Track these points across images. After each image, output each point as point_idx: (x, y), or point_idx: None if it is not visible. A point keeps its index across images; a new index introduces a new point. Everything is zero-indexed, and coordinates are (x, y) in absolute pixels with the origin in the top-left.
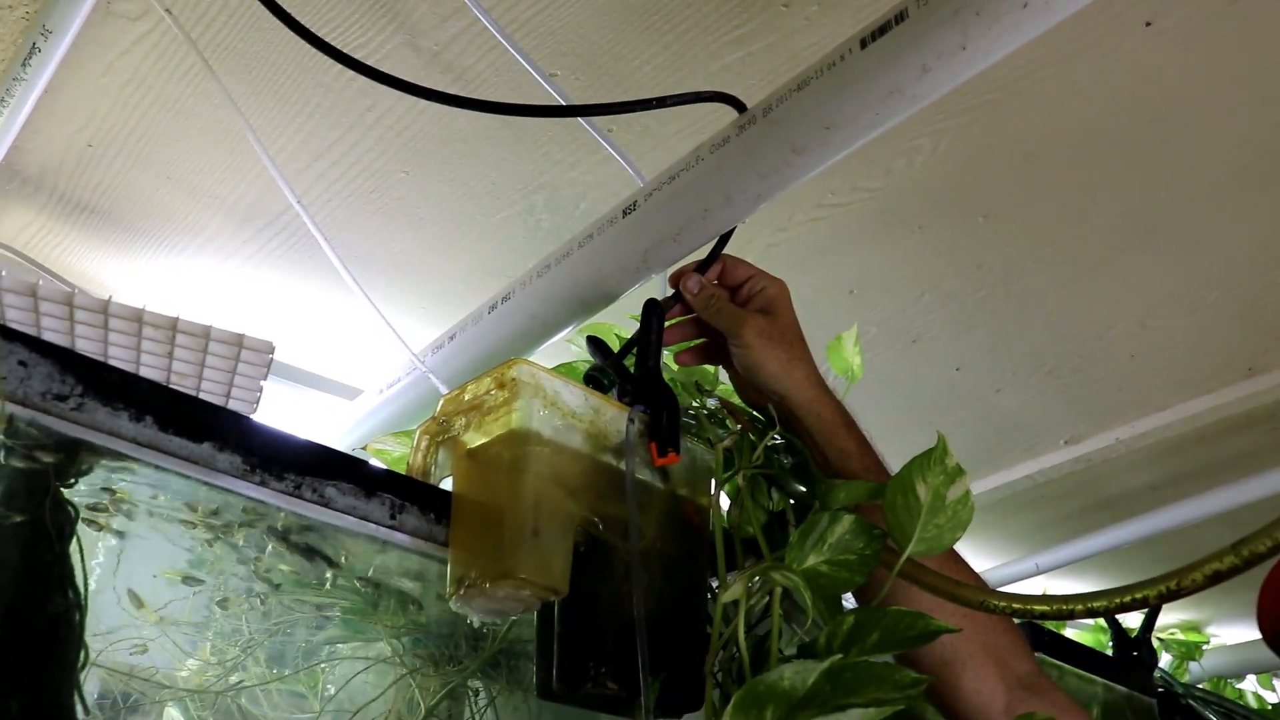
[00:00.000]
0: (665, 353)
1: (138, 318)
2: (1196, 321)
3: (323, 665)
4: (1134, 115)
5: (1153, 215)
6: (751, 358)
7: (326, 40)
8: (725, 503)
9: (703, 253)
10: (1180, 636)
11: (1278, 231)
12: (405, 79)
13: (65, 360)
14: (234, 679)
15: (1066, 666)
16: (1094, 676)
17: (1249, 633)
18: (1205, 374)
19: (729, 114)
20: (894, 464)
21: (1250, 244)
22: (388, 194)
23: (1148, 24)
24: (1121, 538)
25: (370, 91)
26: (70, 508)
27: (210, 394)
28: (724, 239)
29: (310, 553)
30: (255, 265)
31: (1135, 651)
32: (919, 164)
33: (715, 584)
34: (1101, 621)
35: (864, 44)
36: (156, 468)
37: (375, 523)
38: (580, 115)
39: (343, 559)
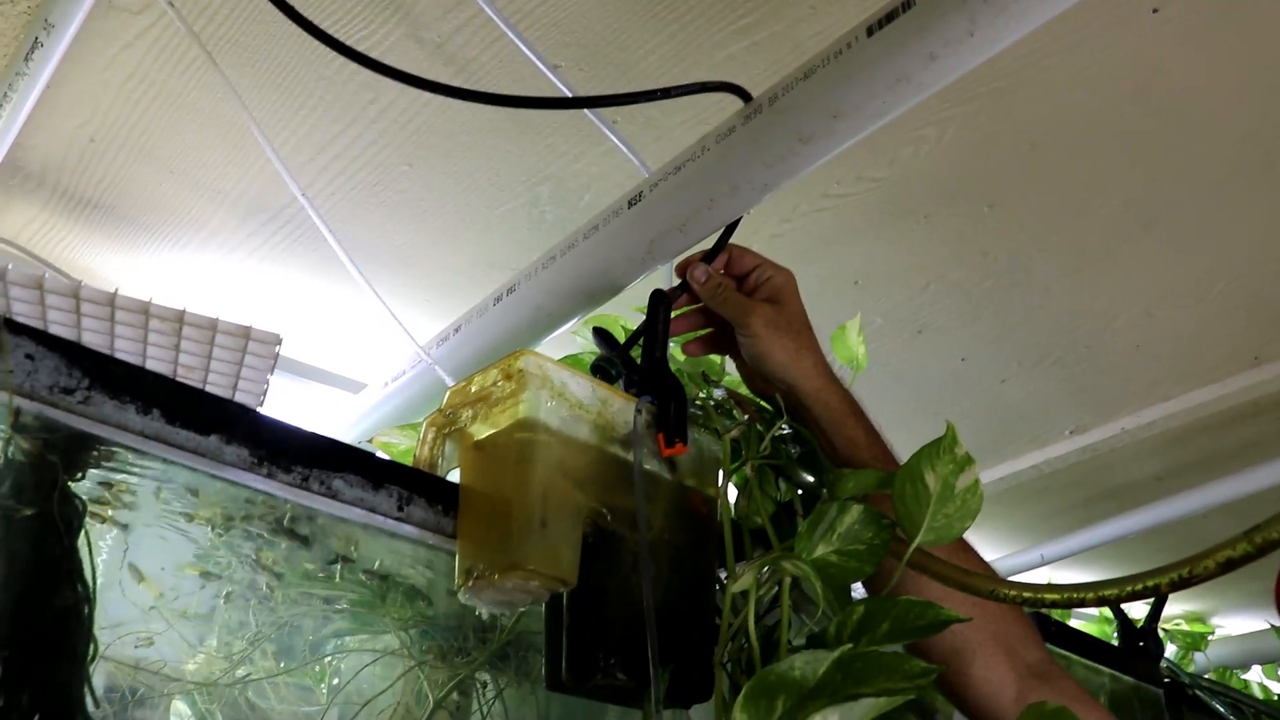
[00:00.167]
0: (670, 343)
1: (144, 310)
2: (1202, 311)
3: (330, 658)
4: (1140, 104)
5: (1158, 205)
6: (759, 347)
7: (329, 33)
8: (733, 493)
9: (709, 243)
10: (1185, 627)
11: None
12: (408, 72)
13: (72, 354)
14: (241, 672)
15: (1073, 656)
16: (1100, 667)
17: (1254, 623)
18: (1210, 364)
19: (733, 104)
20: (900, 455)
21: (1256, 234)
22: (391, 187)
23: (1155, 11)
24: (1127, 528)
25: (373, 84)
26: (78, 501)
27: (217, 386)
28: (730, 229)
29: (313, 544)
30: (259, 259)
31: (1141, 642)
32: (924, 153)
33: (723, 575)
34: (1107, 612)
35: (870, 32)
36: (164, 460)
37: (383, 515)
38: (585, 107)
39: (352, 551)
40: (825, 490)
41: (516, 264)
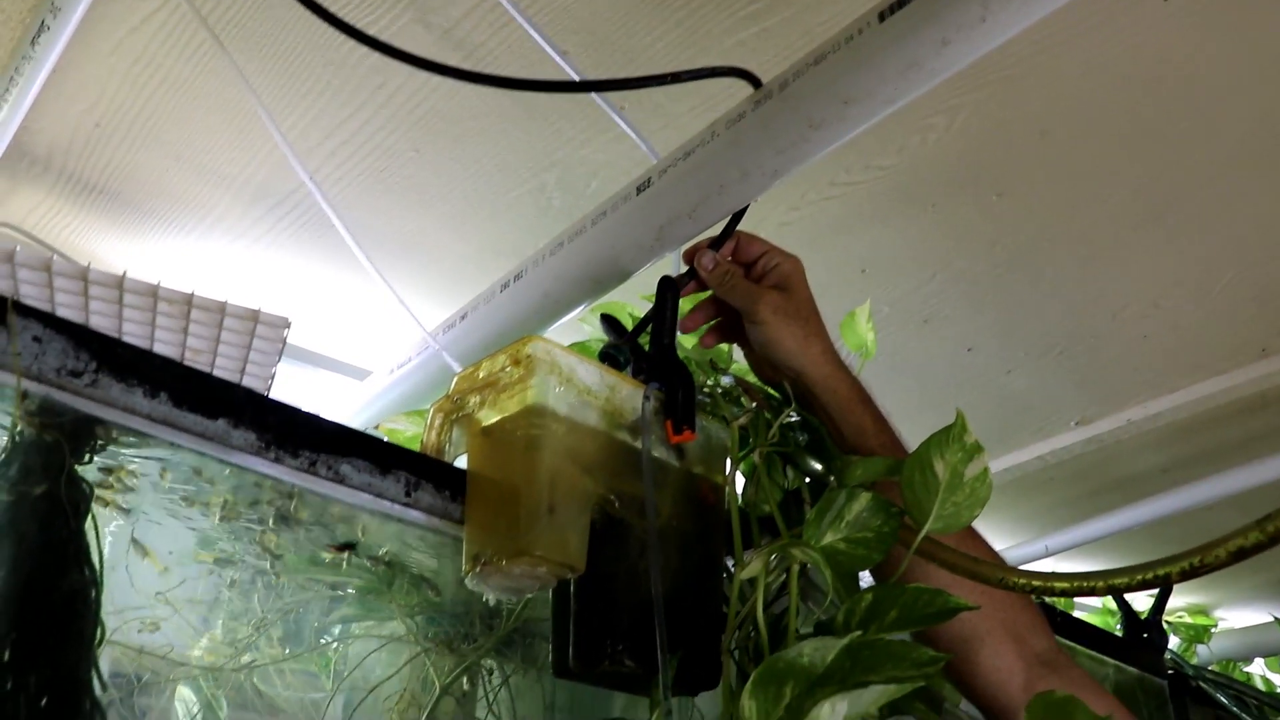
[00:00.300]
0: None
1: (152, 293)
2: (1210, 302)
3: (336, 644)
4: (1151, 93)
5: (1168, 195)
6: (767, 334)
7: (338, 16)
8: (740, 481)
9: (717, 230)
10: (1188, 620)
11: None
12: (416, 54)
13: (79, 336)
14: (247, 658)
15: (1078, 647)
16: (1105, 658)
17: (1257, 616)
18: (1218, 355)
19: (742, 90)
20: (907, 445)
21: (1266, 225)
22: (398, 172)
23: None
24: (1132, 520)
25: (381, 69)
26: (85, 484)
27: (225, 370)
28: (738, 216)
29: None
30: (264, 245)
31: (1145, 633)
32: (933, 141)
33: (731, 562)
34: (1111, 603)
35: (882, 17)
36: (171, 445)
37: (390, 500)
38: (594, 91)
39: (359, 534)
40: (833, 478)
41: (523, 250)
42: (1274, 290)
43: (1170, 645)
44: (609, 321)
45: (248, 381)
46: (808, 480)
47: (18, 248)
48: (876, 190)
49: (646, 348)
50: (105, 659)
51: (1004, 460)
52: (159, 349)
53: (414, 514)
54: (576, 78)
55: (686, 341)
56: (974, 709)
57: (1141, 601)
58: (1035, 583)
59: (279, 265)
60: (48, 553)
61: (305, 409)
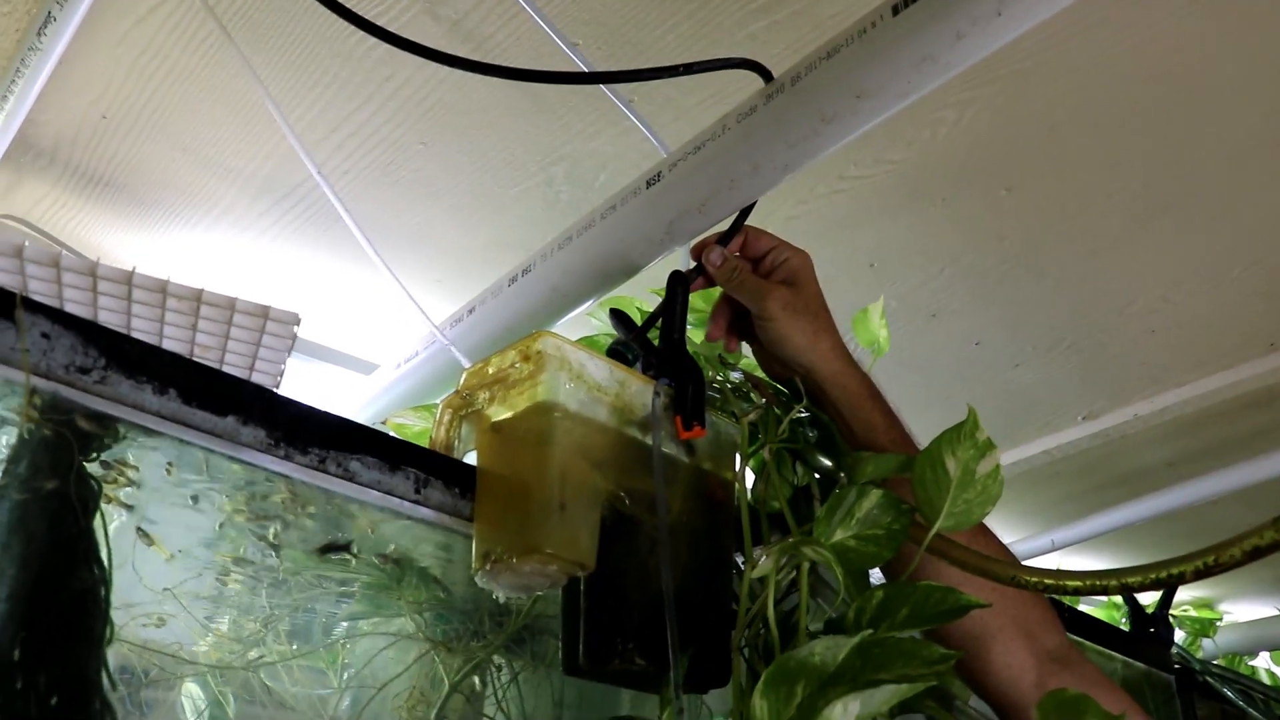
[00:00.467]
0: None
1: (162, 289)
2: (1218, 297)
3: (344, 641)
4: (1160, 86)
5: (1175, 189)
6: (777, 330)
7: (346, 6)
8: (750, 477)
9: (727, 224)
10: (1194, 613)
11: None
12: (424, 44)
13: (88, 332)
14: (254, 654)
15: (1085, 642)
16: (1112, 653)
17: (1262, 610)
18: (1225, 349)
19: (752, 83)
20: (914, 439)
21: (1273, 220)
22: (405, 165)
23: None
24: (1139, 514)
25: (389, 61)
26: (94, 481)
27: (234, 366)
28: (746, 211)
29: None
30: (271, 238)
31: (1152, 628)
32: (943, 136)
33: (740, 559)
34: (1117, 597)
35: (895, 10)
36: (180, 441)
37: (400, 497)
38: (603, 82)
39: (368, 533)
40: (843, 474)
41: (530, 244)
42: None
43: (1176, 639)
44: (618, 316)
45: (257, 377)
46: (817, 476)
47: (26, 243)
48: (885, 184)
49: (656, 343)
50: (112, 655)
51: (1011, 454)
52: (168, 345)
53: (424, 511)
54: (586, 70)
55: (696, 336)
56: (985, 706)
57: (1147, 595)
58: (1047, 581)
59: (285, 258)
60: (57, 551)
61: (314, 405)
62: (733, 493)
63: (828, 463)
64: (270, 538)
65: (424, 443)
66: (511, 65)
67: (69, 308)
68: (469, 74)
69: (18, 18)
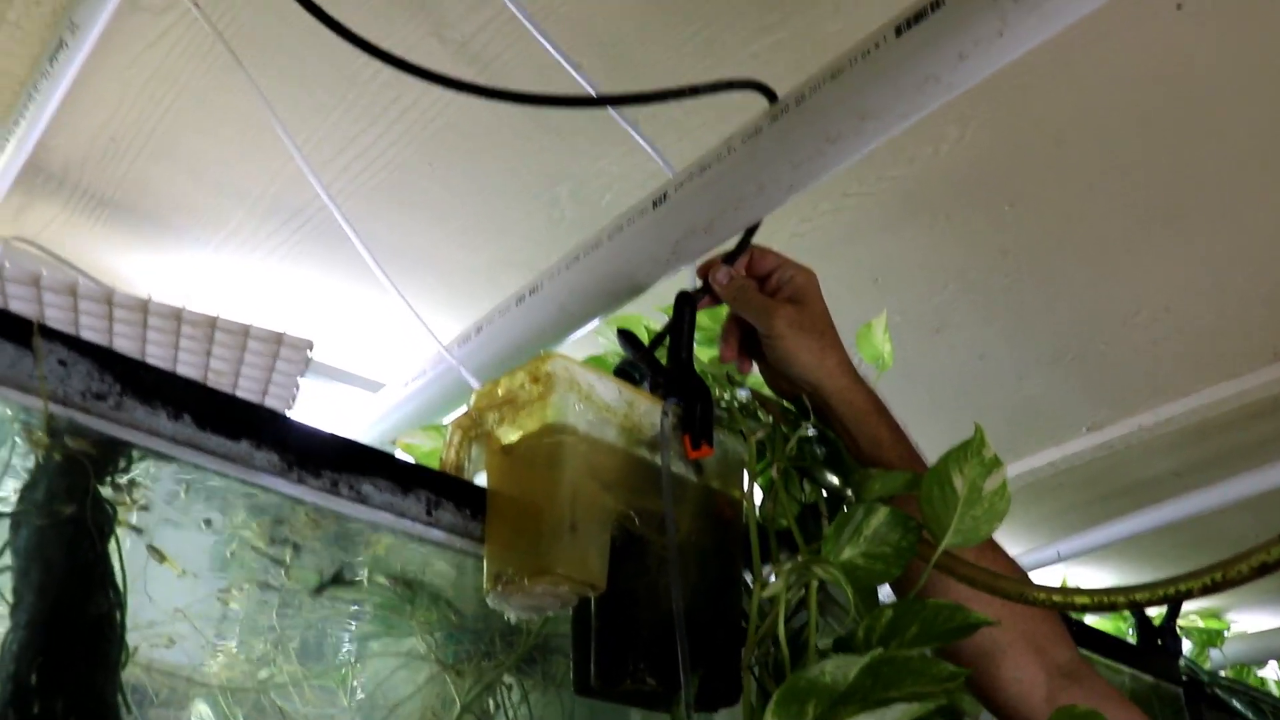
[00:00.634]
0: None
1: (177, 316)
2: (1221, 306)
3: (355, 662)
4: (1163, 100)
5: (1178, 200)
6: (784, 348)
7: (353, 31)
8: (758, 495)
9: (731, 244)
10: (1201, 624)
11: None
12: (430, 70)
13: (103, 359)
14: (264, 675)
15: (1093, 655)
16: (1120, 665)
17: (1270, 620)
18: (1230, 359)
19: (757, 103)
20: (920, 454)
21: (1277, 230)
22: (411, 186)
23: (1178, 7)
24: (1144, 525)
25: (395, 83)
26: (109, 506)
27: (247, 392)
28: (751, 230)
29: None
30: (278, 259)
31: (1159, 640)
32: (945, 152)
33: (749, 577)
34: None
35: (899, 31)
36: (195, 466)
37: (411, 519)
38: (610, 105)
39: (379, 554)
40: (851, 492)
41: (536, 264)
42: None
43: (1183, 650)
44: (626, 336)
45: (270, 402)
46: (825, 494)
47: (44, 271)
48: (888, 200)
49: (664, 362)
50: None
51: (1016, 466)
52: (181, 371)
53: (435, 533)
54: (591, 91)
55: (703, 355)
56: None
57: (1154, 607)
58: (1056, 598)
59: (292, 278)
60: (74, 576)
61: (327, 429)
62: (741, 511)
63: (835, 480)
64: (282, 559)
65: (434, 463)
66: (516, 87)
67: (85, 335)
68: (475, 97)
69: (30, 44)
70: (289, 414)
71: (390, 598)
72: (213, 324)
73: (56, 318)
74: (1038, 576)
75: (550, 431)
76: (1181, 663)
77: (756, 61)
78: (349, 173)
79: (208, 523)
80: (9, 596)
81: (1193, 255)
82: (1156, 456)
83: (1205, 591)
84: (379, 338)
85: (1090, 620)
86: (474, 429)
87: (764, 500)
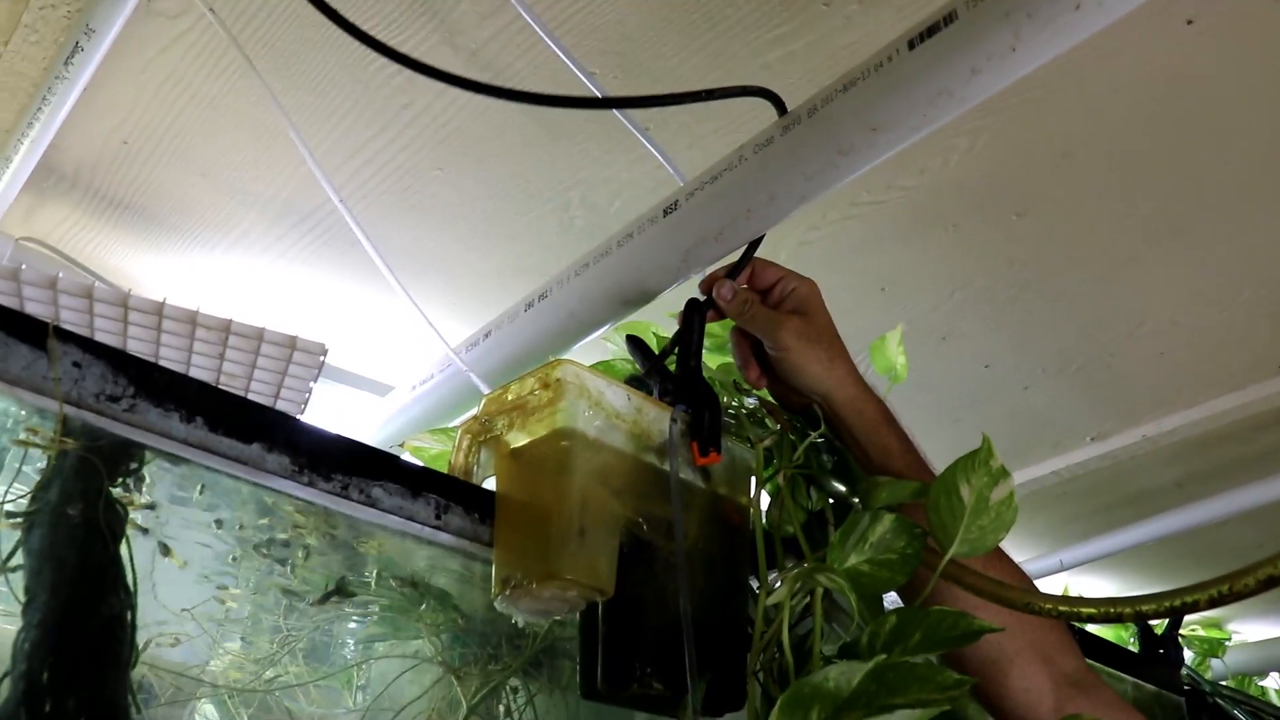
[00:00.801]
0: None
1: (192, 319)
2: (1227, 319)
3: (361, 663)
4: (1172, 112)
5: (1187, 212)
6: (792, 360)
7: (361, 29)
8: (765, 501)
9: (741, 253)
10: (1202, 633)
11: None
12: (443, 72)
13: (117, 361)
14: (271, 675)
15: (1095, 664)
16: (1122, 675)
17: (1272, 630)
18: (1234, 371)
19: (766, 111)
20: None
21: None
22: (422, 191)
23: (1189, 22)
24: (1147, 534)
25: (407, 89)
26: (121, 507)
27: (260, 395)
28: (754, 244)
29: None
30: (288, 261)
31: (1161, 649)
32: (954, 163)
33: (755, 584)
34: None
35: (912, 45)
36: (207, 468)
37: (420, 523)
38: (615, 108)
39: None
40: (858, 499)
41: (545, 269)
42: None
43: (1185, 659)
44: (634, 343)
45: (282, 405)
46: (831, 501)
47: (60, 274)
48: (897, 210)
49: (673, 368)
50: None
51: (1020, 475)
52: (195, 374)
53: (444, 536)
54: (609, 109)
55: (712, 362)
56: None
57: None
58: (1062, 608)
59: (303, 281)
60: (86, 576)
61: (338, 432)
62: (748, 518)
63: (842, 488)
64: (291, 561)
65: (441, 466)
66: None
67: (100, 337)
68: (486, 102)
69: (45, 47)
70: (301, 417)
71: (398, 600)
72: (227, 327)
73: (72, 320)
74: (1041, 585)
75: (560, 437)
76: (1183, 672)
77: (769, 73)
78: (360, 177)
79: (219, 524)
80: (22, 596)
81: (1199, 268)
82: (1160, 467)
83: (1212, 604)
84: (388, 341)
85: (1092, 629)
86: (483, 433)
87: (770, 507)
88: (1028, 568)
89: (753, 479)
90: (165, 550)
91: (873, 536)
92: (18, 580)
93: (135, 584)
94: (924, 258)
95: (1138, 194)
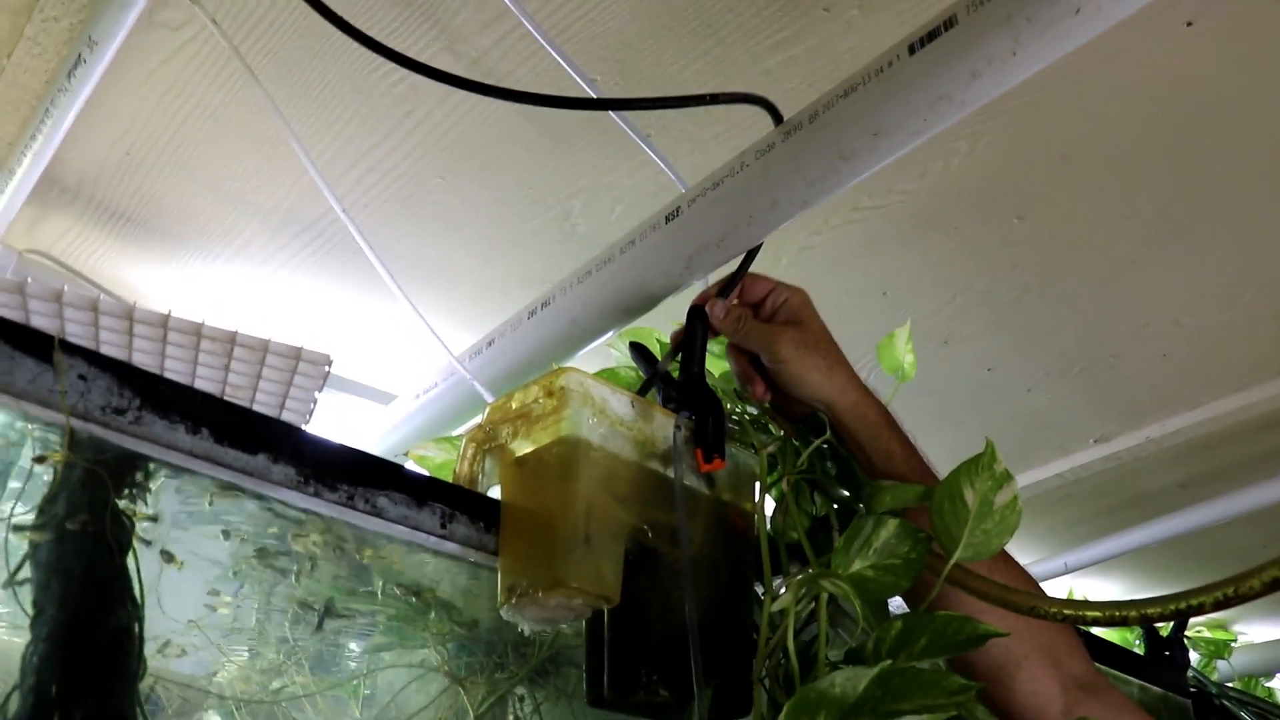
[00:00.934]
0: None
1: (197, 331)
2: (1229, 320)
3: (367, 673)
4: (1172, 115)
5: (1188, 213)
6: (793, 370)
7: (361, 30)
8: (769, 507)
9: (735, 263)
10: (1208, 635)
11: None
12: (442, 72)
13: (123, 374)
14: (277, 686)
15: (1101, 667)
16: (1128, 677)
17: (1278, 631)
18: (1237, 372)
19: (766, 118)
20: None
21: None
22: (424, 199)
23: (1189, 24)
24: (1151, 536)
25: (410, 97)
26: (127, 519)
27: (265, 406)
28: (747, 261)
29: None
30: (291, 270)
31: (1167, 651)
32: (955, 166)
33: (760, 590)
34: None
35: (912, 50)
36: (213, 480)
37: (426, 532)
38: (612, 109)
39: (392, 566)
40: (861, 504)
41: (548, 276)
42: None
43: (1191, 661)
44: (638, 350)
45: (287, 416)
46: (835, 507)
47: (65, 287)
48: (899, 214)
49: (676, 375)
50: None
51: (1024, 478)
52: (200, 385)
53: (449, 545)
54: (593, 95)
55: (715, 369)
56: None
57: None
58: (1067, 611)
59: (305, 290)
60: (93, 588)
61: (343, 442)
62: (752, 524)
63: (846, 493)
64: (297, 571)
65: (445, 474)
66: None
67: (105, 349)
68: (488, 110)
69: (48, 59)
70: (306, 428)
71: (403, 609)
72: (232, 339)
73: (77, 333)
74: (1046, 588)
75: (564, 445)
76: (1190, 674)
77: (769, 78)
78: (362, 185)
79: (225, 535)
80: (30, 609)
81: (1201, 269)
82: (1164, 469)
83: (1217, 606)
84: (391, 349)
85: (1098, 631)
86: (488, 442)
87: (775, 513)
88: (1031, 571)
89: (757, 485)
90: (169, 558)
91: (877, 541)
92: (25, 593)
93: (142, 596)
94: (925, 261)
95: (1138, 196)
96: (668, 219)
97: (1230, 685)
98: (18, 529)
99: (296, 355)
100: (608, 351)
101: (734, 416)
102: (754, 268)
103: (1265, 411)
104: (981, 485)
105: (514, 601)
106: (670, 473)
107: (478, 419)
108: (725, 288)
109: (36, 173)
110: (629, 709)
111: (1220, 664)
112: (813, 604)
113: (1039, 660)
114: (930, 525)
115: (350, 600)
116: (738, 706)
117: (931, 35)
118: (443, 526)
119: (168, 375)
